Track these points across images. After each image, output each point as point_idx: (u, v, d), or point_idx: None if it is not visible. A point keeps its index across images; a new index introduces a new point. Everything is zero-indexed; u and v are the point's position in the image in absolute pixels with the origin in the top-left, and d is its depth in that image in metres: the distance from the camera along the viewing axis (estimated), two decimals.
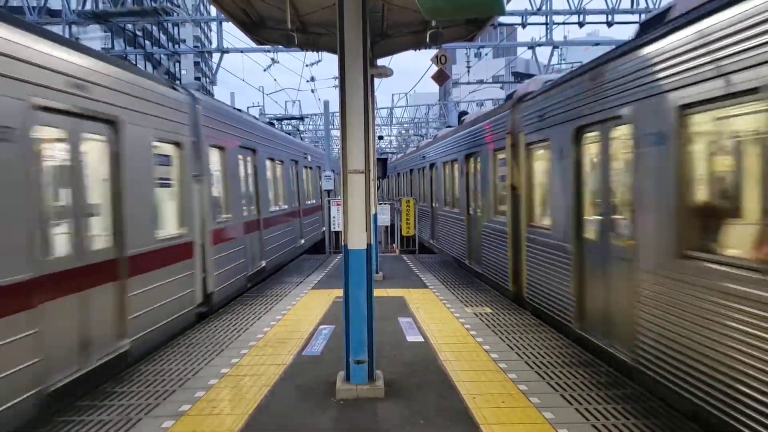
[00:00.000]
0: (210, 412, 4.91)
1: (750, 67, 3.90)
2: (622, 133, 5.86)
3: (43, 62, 5.09)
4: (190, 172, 8.31)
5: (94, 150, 5.93)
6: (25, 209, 4.71)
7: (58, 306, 5.08)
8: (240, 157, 10.90)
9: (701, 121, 4.65)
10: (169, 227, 7.71)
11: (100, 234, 5.94)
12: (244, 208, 10.96)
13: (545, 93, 8.11)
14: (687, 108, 4.66)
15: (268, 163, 13.13)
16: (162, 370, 6.01)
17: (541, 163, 8.45)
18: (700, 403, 4.41)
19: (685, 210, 4.76)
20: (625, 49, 5.88)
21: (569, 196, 7.14)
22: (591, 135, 6.68)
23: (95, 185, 5.92)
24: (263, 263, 12.14)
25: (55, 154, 5.29)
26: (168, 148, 7.75)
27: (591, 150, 6.76)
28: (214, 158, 9.47)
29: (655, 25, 5.64)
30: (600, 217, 6.45)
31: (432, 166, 17.42)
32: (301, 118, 35.31)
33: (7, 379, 4.36)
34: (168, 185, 7.79)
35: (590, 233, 6.71)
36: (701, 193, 4.73)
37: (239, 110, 13.63)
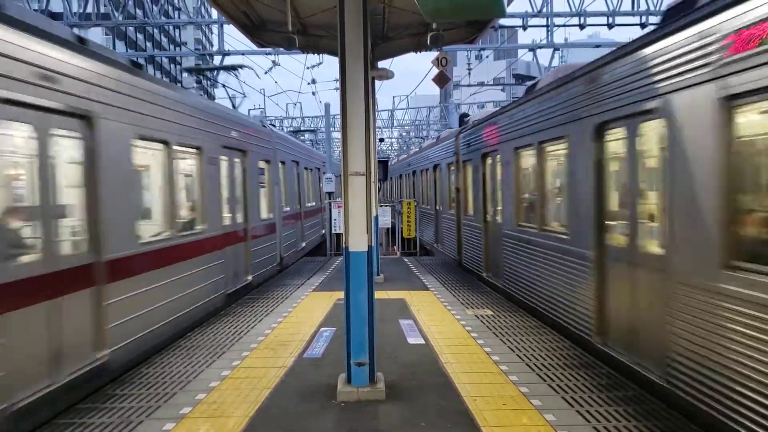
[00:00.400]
0: (211, 414, 4.91)
1: (527, 135, 8.41)
2: (498, 158, 10.15)
3: (224, 123, 9.77)
4: (272, 179, 13.02)
5: (237, 167, 10.48)
6: (219, 199, 9.29)
7: (227, 251, 9.52)
8: (292, 168, 15.74)
9: (523, 155, 8.96)
10: (265, 213, 12.30)
11: (239, 213, 10.39)
12: (294, 203, 15.84)
13: (469, 130, 12.67)
14: (517, 149, 9.04)
15: (304, 171, 17.86)
16: (163, 373, 6.01)
17: (469, 174, 12.72)
18: (531, 303, 8.38)
19: (518, 201, 9.15)
20: (499, 111, 10.69)
21: (480, 194, 11.49)
22: (489, 158, 11.01)
23: (237, 186, 10.37)
24: (304, 244, 16.93)
25: (225, 170, 9.77)
26: (263, 164, 12.44)
27: (488, 167, 11.06)
28: (280, 169, 14.14)
29: (530, 91, 9.18)
30: (492, 207, 10.83)
31: (414, 173, 22.01)
32: (314, 131, 38.19)
33: (215, 283, 8.84)
34: (263, 187, 12.39)
35: (489, 216, 11.13)
36: (522, 194, 9.11)
37: (284, 129, 21.30)
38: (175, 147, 7.67)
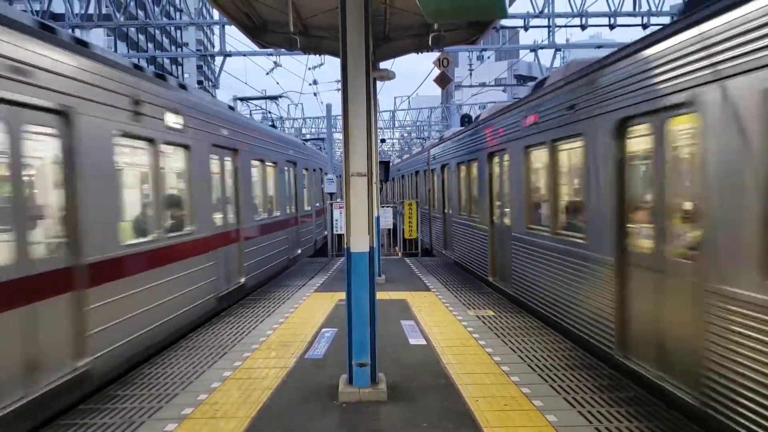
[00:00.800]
0: (213, 415, 4.91)
1: (461, 155, 13.30)
2: (448, 169, 14.91)
3: (287, 145, 14.97)
4: (309, 182, 17.97)
5: (292, 173, 15.16)
6: (284, 195, 14.02)
7: (289, 230, 14.17)
8: (319, 174, 20.98)
9: (461, 168, 13.32)
10: (306, 207, 17.07)
11: (293, 206, 15.02)
12: (320, 201, 20.90)
13: (435, 147, 17.72)
14: (458, 164, 13.54)
15: (325, 176, 23.07)
16: (165, 373, 6.02)
17: (435, 179, 17.39)
18: (465, 264, 13.07)
19: (459, 199, 13.64)
20: (450, 135, 15.61)
21: (441, 194, 16.12)
22: (445, 168, 15.63)
23: (292, 187, 15.10)
24: (326, 232, 21.02)
25: (286, 176, 14.48)
26: (305, 172, 17.24)
27: (446, 174, 15.47)
28: (313, 175, 19.11)
29: (470, 123, 16.10)
30: (447, 203, 15.29)
31: (403, 176, 27.40)
32: (323, 139, 39.81)
33: (285, 249, 13.76)
34: (305, 187, 17.14)
35: (446, 210, 15.57)
36: (461, 193, 13.45)
37: (307, 140, 27.44)
38: (266, 163, 12.50)
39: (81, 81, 5.50)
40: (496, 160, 10.48)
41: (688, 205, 4.73)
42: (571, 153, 7.15)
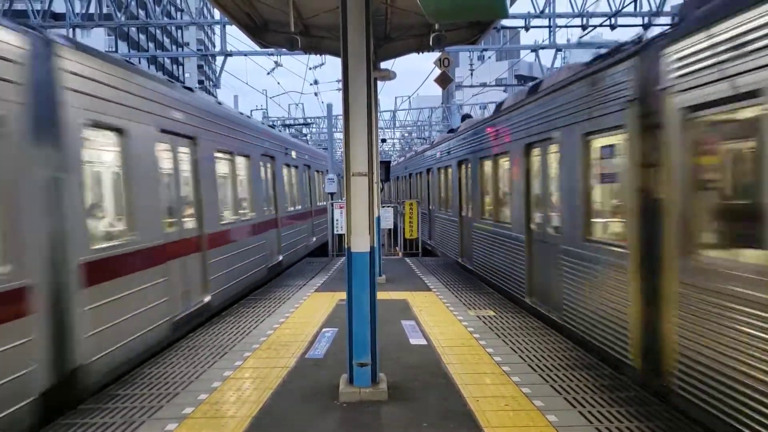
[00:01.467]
0: (213, 414, 4.92)
1: (417, 168, 22.49)
2: (415, 175, 23.17)
3: (320, 157, 23.69)
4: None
5: (318, 178, 22.68)
6: (311, 192, 20.03)
7: (320, 219, 21.13)
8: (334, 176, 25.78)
9: (419, 176, 22.07)
10: (320, 202, 21.57)
11: (315, 200, 20.35)
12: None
13: (413, 157, 25.14)
14: (417, 174, 22.40)
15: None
16: (165, 373, 6.02)
17: (420, 180, 21.56)
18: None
19: (421, 196, 21.35)
20: (411, 155, 28.57)
21: (424, 192, 20.67)
22: (422, 173, 20.85)
23: (316, 187, 21.09)
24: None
25: (322, 179, 22.86)
26: (319, 175, 22.32)
27: (432, 176, 18.91)
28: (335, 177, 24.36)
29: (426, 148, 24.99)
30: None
31: (395, 178, 32.83)
32: (326, 148, 42.18)
33: (311, 239, 19.77)
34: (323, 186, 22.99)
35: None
36: (422, 192, 21.33)
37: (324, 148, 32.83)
38: (314, 171, 19.53)
39: (279, 145, 13.56)
40: (430, 174, 18.15)
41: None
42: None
